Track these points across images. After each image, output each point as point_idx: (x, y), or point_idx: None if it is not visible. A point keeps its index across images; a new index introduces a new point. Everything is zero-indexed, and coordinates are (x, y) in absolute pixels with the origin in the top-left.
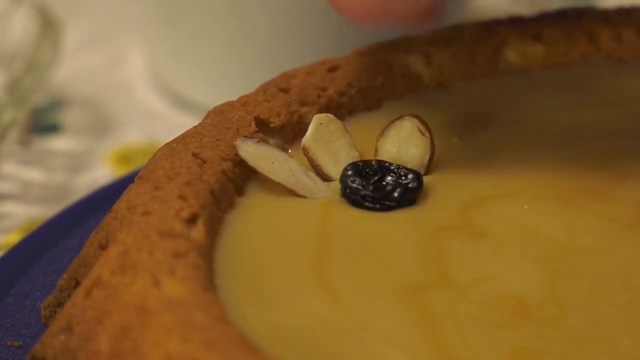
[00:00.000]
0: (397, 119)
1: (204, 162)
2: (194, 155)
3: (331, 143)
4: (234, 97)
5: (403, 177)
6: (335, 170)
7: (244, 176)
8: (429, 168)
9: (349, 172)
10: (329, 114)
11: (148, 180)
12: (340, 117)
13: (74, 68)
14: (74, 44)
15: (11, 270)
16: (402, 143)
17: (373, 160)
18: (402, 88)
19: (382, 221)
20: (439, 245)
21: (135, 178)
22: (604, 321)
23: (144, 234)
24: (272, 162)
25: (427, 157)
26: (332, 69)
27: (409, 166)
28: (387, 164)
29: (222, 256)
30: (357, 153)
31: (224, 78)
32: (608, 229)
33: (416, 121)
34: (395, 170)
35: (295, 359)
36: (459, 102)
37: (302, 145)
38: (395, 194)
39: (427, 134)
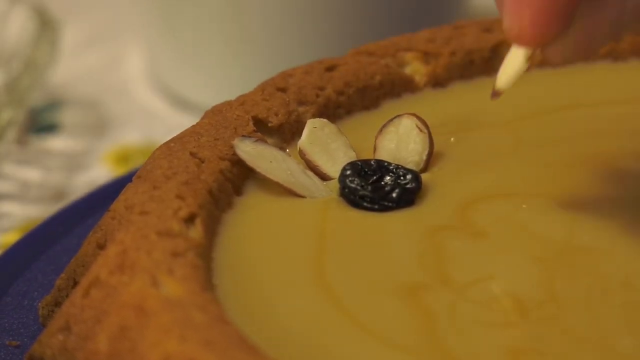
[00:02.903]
0: (395, 117)
1: (202, 162)
2: (192, 154)
3: (327, 145)
4: (232, 97)
5: (402, 178)
6: (333, 169)
7: (242, 176)
8: (428, 164)
9: (348, 172)
10: (322, 119)
11: (146, 180)
12: (338, 116)
13: (72, 68)
14: (72, 43)
15: (9, 270)
16: (401, 139)
17: (372, 159)
18: (400, 87)
19: (381, 221)
20: (438, 245)
21: (134, 177)
22: (603, 321)
23: (142, 233)
24: (270, 162)
25: (426, 152)
26: (330, 69)
27: (407, 161)
28: (385, 164)
29: (221, 256)
30: (354, 153)
31: (222, 77)
32: (607, 229)
33: (414, 119)
34: (394, 170)
35: (294, 358)
36: (458, 101)
37: (298, 148)
38: (394, 195)
39: (425, 130)
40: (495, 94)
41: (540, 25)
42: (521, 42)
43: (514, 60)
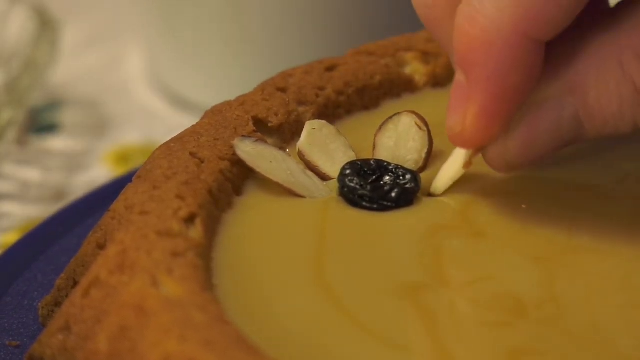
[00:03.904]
0: (395, 115)
1: (202, 162)
2: (192, 154)
3: (326, 146)
4: (232, 97)
5: (401, 177)
6: (333, 169)
7: (242, 176)
8: (427, 163)
9: (347, 172)
10: (321, 120)
11: (146, 180)
12: (338, 116)
13: (72, 68)
14: (72, 43)
15: (9, 270)
16: (400, 137)
17: (371, 159)
18: (399, 87)
19: (381, 220)
20: (437, 245)
21: (134, 177)
22: (603, 321)
23: (142, 233)
24: (270, 162)
25: (425, 150)
26: (330, 68)
27: (407, 159)
28: (385, 164)
29: (220, 256)
30: (354, 153)
31: (222, 77)
32: (607, 229)
33: (414, 116)
34: (394, 170)
35: (293, 358)
36: None
37: (297, 149)
38: (393, 194)
39: (425, 128)
40: (432, 196)
41: (482, 125)
42: (462, 142)
43: (452, 166)
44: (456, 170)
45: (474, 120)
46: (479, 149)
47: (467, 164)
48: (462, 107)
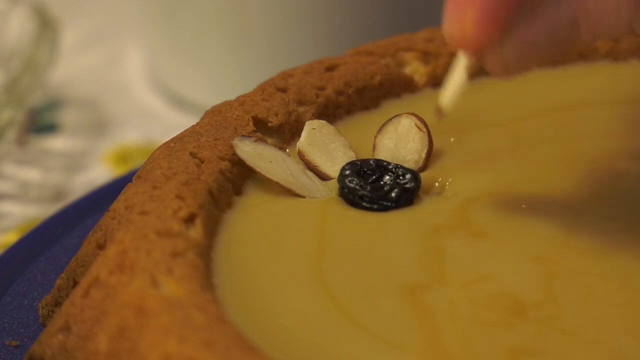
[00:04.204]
0: (395, 116)
1: (202, 162)
2: (192, 154)
3: (326, 146)
4: (232, 97)
5: (401, 177)
6: (333, 169)
7: (241, 176)
8: (427, 163)
9: (347, 172)
10: (320, 120)
11: (146, 180)
12: (338, 116)
13: (71, 68)
14: (72, 43)
15: (9, 270)
16: (400, 138)
17: (371, 159)
18: (399, 87)
19: (380, 220)
20: (437, 245)
21: (133, 177)
22: (603, 321)
23: (142, 233)
24: (270, 162)
25: (425, 151)
26: (330, 68)
27: (407, 159)
28: (385, 163)
29: (220, 256)
30: (353, 153)
31: (222, 78)
32: (606, 229)
33: (413, 118)
34: (393, 170)
35: (293, 358)
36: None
37: (297, 149)
38: (393, 194)
39: (425, 129)
40: (439, 112)
41: (482, 26)
42: (464, 45)
43: (455, 77)
44: (460, 83)
45: (473, 25)
46: (478, 54)
47: (469, 72)
48: (460, 12)
